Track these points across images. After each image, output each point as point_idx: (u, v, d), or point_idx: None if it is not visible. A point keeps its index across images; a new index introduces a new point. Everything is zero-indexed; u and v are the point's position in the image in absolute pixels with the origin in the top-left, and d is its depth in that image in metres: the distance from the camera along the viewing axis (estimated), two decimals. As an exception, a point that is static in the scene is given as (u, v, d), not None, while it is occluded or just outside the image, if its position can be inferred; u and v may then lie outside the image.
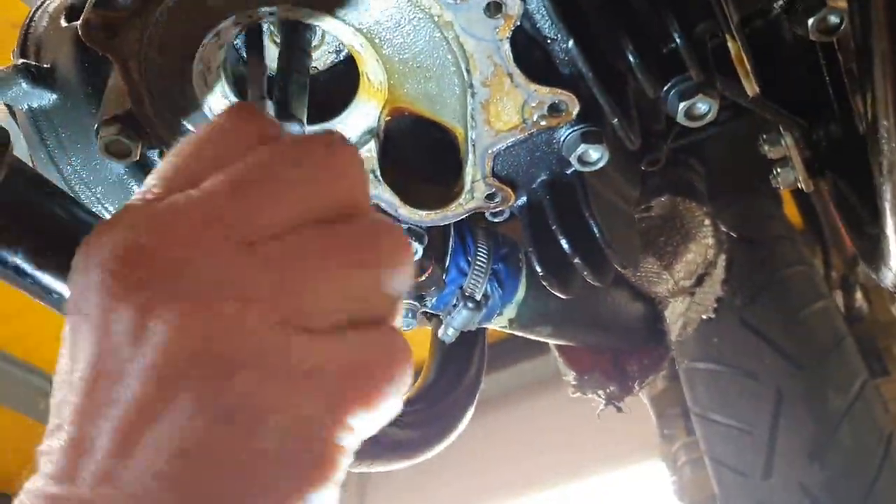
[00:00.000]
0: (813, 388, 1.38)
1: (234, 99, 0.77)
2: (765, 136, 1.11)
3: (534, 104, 0.76)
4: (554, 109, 0.77)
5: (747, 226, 1.60)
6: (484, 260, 0.98)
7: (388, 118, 0.79)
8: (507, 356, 4.62)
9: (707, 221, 1.26)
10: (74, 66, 0.82)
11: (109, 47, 0.68)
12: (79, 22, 0.67)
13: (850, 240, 1.01)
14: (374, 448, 0.92)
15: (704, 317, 1.29)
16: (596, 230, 0.83)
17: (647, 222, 1.24)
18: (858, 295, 1.81)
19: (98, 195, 0.85)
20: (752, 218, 1.64)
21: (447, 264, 0.98)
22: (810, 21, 0.72)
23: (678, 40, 0.70)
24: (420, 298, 0.97)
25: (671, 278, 1.18)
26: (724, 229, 1.29)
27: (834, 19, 0.71)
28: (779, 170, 1.14)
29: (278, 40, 0.79)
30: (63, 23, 0.82)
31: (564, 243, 0.85)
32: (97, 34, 0.67)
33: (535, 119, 0.77)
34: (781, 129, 1.08)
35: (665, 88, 0.76)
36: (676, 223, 1.24)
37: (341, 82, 0.79)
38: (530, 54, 0.75)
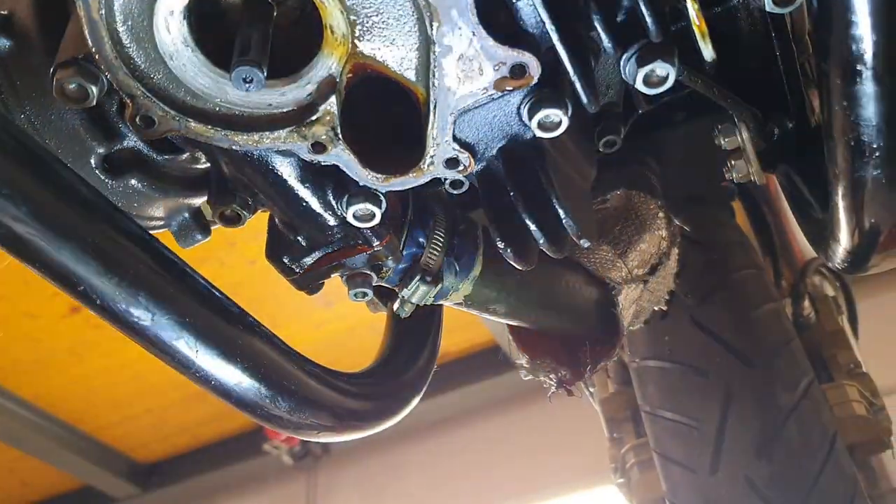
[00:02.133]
0: (761, 386, 1.40)
1: (193, 45, 0.76)
2: (719, 127, 1.13)
3: (496, 64, 0.77)
4: (516, 70, 0.77)
5: (700, 230, 1.63)
6: (442, 233, 0.98)
7: (350, 74, 0.79)
8: (465, 374, 4.64)
9: (661, 214, 1.28)
10: (32, 11, 0.81)
11: (71, -19, 0.67)
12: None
13: (800, 226, 1.03)
14: (323, 416, 0.91)
15: (657, 308, 1.30)
16: (554, 199, 0.84)
17: (603, 213, 1.26)
18: (806, 304, 1.84)
19: (52, 147, 0.84)
20: (704, 223, 1.67)
21: (404, 236, 0.98)
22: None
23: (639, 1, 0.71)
24: (376, 269, 0.97)
25: (625, 266, 1.19)
26: (677, 223, 1.31)
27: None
28: (733, 162, 1.17)
29: (242, -8, 0.79)
30: (23, -33, 0.81)
31: (523, 212, 0.85)
32: (58, -33, 0.67)
33: (497, 79, 0.78)
34: (736, 119, 1.11)
35: (624, 56, 0.78)
36: (631, 214, 1.26)
37: (306, 35, 0.79)
38: (494, 14, 0.76)
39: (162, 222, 0.98)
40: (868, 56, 0.61)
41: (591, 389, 1.89)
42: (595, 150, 1.02)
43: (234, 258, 4.13)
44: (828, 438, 1.37)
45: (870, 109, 0.65)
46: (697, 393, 1.42)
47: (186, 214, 0.99)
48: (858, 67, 0.62)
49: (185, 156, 0.94)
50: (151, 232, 0.97)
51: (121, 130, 0.87)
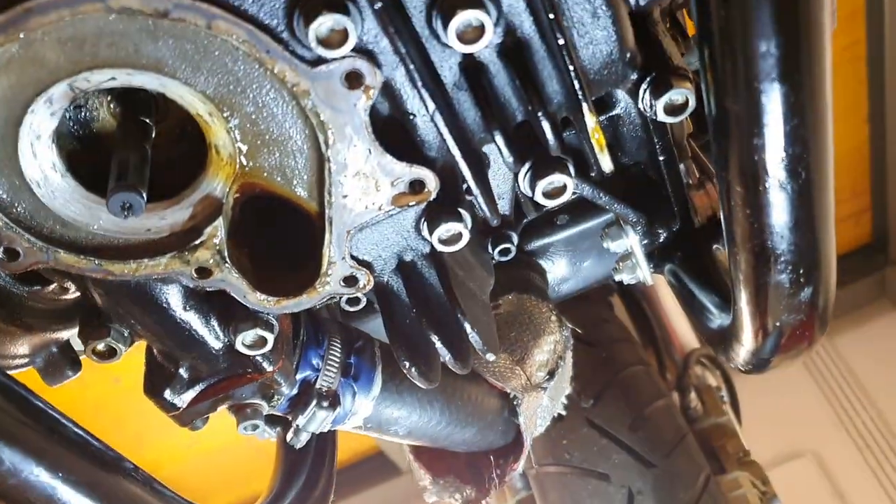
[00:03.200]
0: (662, 485, 1.38)
1: (63, 171, 0.70)
2: (607, 231, 1.14)
3: (393, 180, 0.74)
4: (415, 186, 0.74)
5: (585, 329, 1.63)
6: (338, 352, 0.93)
7: (238, 194, 0.74)
8: (350, 484, 4.49)
9: (553, 318, 1.27)
10: None
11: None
12: None
13: (695, 327, 1.03)
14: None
15: (555, 413, 1.27)
16: (459, 314, 0.80)
17: (497, 319, 1.23)
18: (693, 396, 1.87)
19: None
20: (588, 322, 1.68)
21: (297, 359, 0.92)
22: (659, 102, 0.74)
23: (538, 114, 0.70)
24: (268, 397, 0.90)
25: (524, 373, 1.16)
26: (570, 325, 1.30)
27: (680, 98, 0.74)
28: (621, 264, 1.17)
29: (116, 111, 0.74)
30: None
31: (428, 329, 0.81)
32: None
33: (395, 195, 0.75)
34: (622, 223, 1.12)
35: (522, 170, 0.76)
36: (524, 318, 1.24)
37: (189, 156, 0.74)
38: (390, 130, 0.73)
39: (26, 360, 0.88)
40: (770, 165, 0.62)
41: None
42: (491, 259, 1.00)
43: (97, 376, 3.88)
44: (729, 534, 1.37)
45: (773, 217, 0.65)
46: (600, 497, 1.40)
47: (54, 349, 0.90)
48: (761, 176, 0.63)
49: (52, 287, 0.85)
50: (14, 372, 0.88)
51: (-23, 263, 0.79)
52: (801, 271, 0.69)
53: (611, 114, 1.01)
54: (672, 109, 0.75)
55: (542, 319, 1.23)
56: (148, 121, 0.72)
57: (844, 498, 4.52)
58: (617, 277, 1.18)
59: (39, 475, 0.68)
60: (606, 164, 0.77)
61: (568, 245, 1.43)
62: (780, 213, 0.65)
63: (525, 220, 1.13)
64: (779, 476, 2.00)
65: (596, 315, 1.69)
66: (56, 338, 0.89)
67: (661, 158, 1.04)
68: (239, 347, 0.82)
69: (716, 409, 1.86)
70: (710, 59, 0.60)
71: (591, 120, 0.70)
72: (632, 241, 1.11)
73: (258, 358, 0.85)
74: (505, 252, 1.01)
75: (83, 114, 0.72)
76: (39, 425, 0.69)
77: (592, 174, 0.96)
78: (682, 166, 1.07)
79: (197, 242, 0.75)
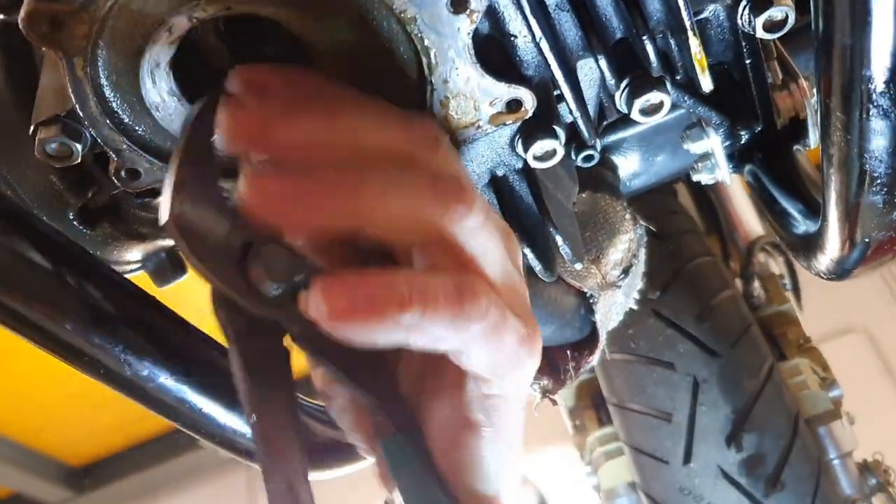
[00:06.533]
0: (727, 375, 1.44)
1: (179, 95, 0.73)
2: (687, 132, 1.14)
3: (491, 100, 0.76)
4: (512, 105, 0.76)
5: (653, 221, 1.65)
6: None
7: (343, 115, 0.77)
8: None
9: (627, 216, 1.29)
10: (-4, 62, 0.77)
11: (55, 42, 0.63)
12: (20, 13, 0.62)
13: (775, 231, 1.05)
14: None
15: (628, 308, 1.32)
16: (551, 227, 0.84)
17: (573, 218, 1.26)
18: (756, 284, 1.90)
19: (28, 203, 0.79)
20: (656, 214, 1.69)
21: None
22: (759, 19, 0.74)
23: (641, 35, 0.71)
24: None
25: (599, 273, 1.20)
26: (643, 223, 1.33)
27: (780, 15, 0.74)
28: (699, 164, 1.18)
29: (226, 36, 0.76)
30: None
31: (518, 239, 0.85)
32: (41, 28, 0.62)
33: (493, 114, 0.77)
34: (704, 125, 1.12)
35: (620, 87, 0.78)
36: (599, 218, 1.26)
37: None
38: (489, 50, 0.75)
39: (139, 265, 0.94)
40: (876, 94, 0.62)
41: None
42: (575, 166, 1.02)
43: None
44: (791, 420, 1.43)
45: (874, 143, 0.66)
46: (665, 385, 1.46)
47: (163, 254, 0.95)
48: (865, 105, 0.63)
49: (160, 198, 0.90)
50: (129, 276, 0.94)
51: (97, 180, 0.83)
52: (896, 192, 0.71)
53: (699, 17, 1.00)
54: (771, 26, 0.75)
55: (616, 218, 1.25)
56: (258, 46, 0.74)
57: (894, 373, 4.58)
58: (695, 178, 1.19)
59: (170, 379, 0.75)
60: (707, 84, 0.78)
61: (642, 140, 1.43)
62: (880, 138, 0.66)
63: (605, 123, 1.14)
64: (830, 351, 2.03)
65: (663, 206, 1.70)
66: (165, 244, 0.95)
67: (747, 61, 1.03)
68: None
69: (778, 296, 1.89)
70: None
71: (694, 42, 0.70)
72: (713, 142, 1.12)
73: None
74: (588, 158, 1.02)
75: (197, 42, 0.74)
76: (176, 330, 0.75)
77: (678, 77, 0.97)
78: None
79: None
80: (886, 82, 0.61)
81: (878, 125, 0.65)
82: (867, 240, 0.78)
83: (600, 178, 1.33)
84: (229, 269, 0.57)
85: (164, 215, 0.57)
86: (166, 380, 0.76)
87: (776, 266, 2.05)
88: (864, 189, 0.71)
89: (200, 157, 0.62)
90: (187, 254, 0.57)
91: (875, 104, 0.63)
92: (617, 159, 1.42)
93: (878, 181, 0.70)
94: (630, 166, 1.43)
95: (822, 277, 0.92)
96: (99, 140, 0.71)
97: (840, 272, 0.87)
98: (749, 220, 1.97)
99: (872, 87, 0.62)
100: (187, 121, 0.65)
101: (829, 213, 0.78)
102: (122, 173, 0.75)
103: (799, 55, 1.17)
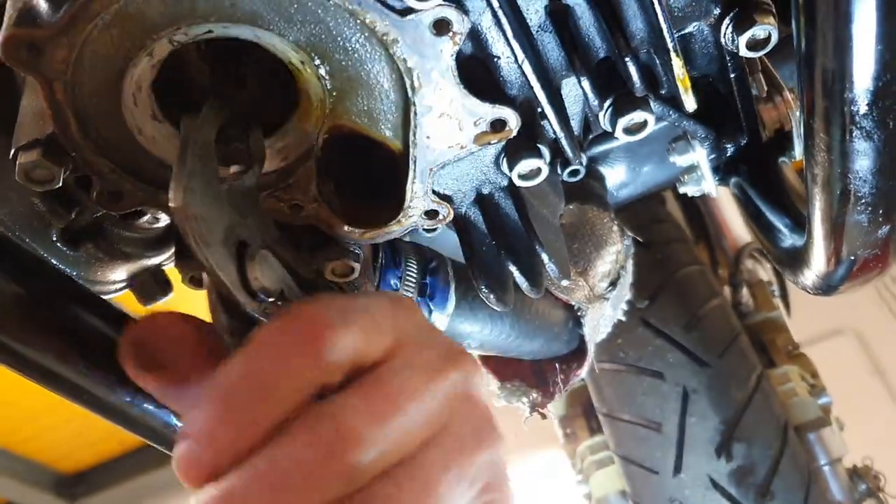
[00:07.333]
0: (716, 384, 1.44)
1: (161, 118, 0.73)
2: (673, 145, 1.14)
3: (475, 120, 0.76)
4: (496, 125, 0.76)
5: (640, 230, 1.65)
6: (414, 274, 0.97)
7: (326, 136, 0.77)
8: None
9: (615, 227, 1.29)
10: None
11: (33, 67, 0.63)
12: (-3, 40, 0.62)
13: (764, 247, 1.05)
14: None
15: (616, 319, 1.32)
16: (537, 245, 0.83)
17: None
18: (745, 291, 1.90)
19: (10, 225, 0.79)
20: (644, 222, 1.70)
21: (377, 281, 0.96)
22: (742, 38, 0.74)
23: (624, 56, 0.71)
24: (351, 318, 0.95)
25: (587, 285, 1.20)
26: (630, 234, 1.33)
27: (763, 34, 0.74)
28: (686, 177, 1.18)
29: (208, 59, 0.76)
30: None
31: (506, 260, 0.85)
32: (20, 53, 0.62)
33: (477, 135, 0.76)
34: (690, 138, 1.12)
35: (603, 106, 0.78)
36: (587, 230, 1.26)
37: (277, 99, 0.76)
38: (472, 70, 0.75)
39: (124, 285, 0.94)
40: (859, 116, 0.62)
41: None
42: (560, 181, 1.02)
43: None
44: (781, 429, 1.43)
45: (858, 163, 0.66)
46: (655, 395, 1.46)
47: (148, 273, 0.95)
48: (848, 127, 0.64)
49: (145, 217, 0.89)
50: (113, 296, 0.93)
51: (80, 201, 0.83)
52: (881, 211, 0.71)
53: (683, 32, 1.00)
54: (755, 44, 0.75)
55: (604, 230, 1.25)
56: (238, 67, 0.74)
57: (884, 375, 4.60)
58: (682, 190, 1.19)
59: (154, 405, 0.75)
60: (690, 104, 0.78)
61: (628, 151, 1.43)
62: (864, 159, 0.66)
63: (590, 137, 1.14)
64: (820, 353, 2.04)
65: (651, 214, 1.70)
66: (150, 263, 0.94)
67: (732, 75, 1.03)
68: (328, 276, 0.86)
69: (767, 303, 1.89)
70: (805, 14, 0.60)
71: (677, 63, 0.70)
72: (699, 155, 1.12)
73: (344, 286, 0.90)
74: (574, 173, 1.02)
75: (178, 62, 0.74)
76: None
77: (662, 91, 0.97)
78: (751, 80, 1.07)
79: (290, 182, 0.78)
80: (869, 104, 0.62)
81: (861, 146, 0.65)
82: (853, 257, 0.78)
83: (587, 189, 1.33)
84: (230, 264, 0.59)
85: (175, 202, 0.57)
86: (151, 404, 0.76)
87: (764, 272, 2.05)
88: (848, 208, 0.71)
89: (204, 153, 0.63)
90: (196, 240, 0.57)
91: (858, 126, 0.63)
92: (604, 170, 1.42)
93: (863, 201, 0.70)
94: (617, 177, 1.43)
95: (809, 292, 0.92)
96: (80, 163, 0.70)
97: (826, 288, 0.88)
98: (737, 226, 1.98)
99: (855, 109, 0.62)
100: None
101: (815, 230, 0.78)
102: (105, 196, 0.74)
103: (783, 67, 1.17)
